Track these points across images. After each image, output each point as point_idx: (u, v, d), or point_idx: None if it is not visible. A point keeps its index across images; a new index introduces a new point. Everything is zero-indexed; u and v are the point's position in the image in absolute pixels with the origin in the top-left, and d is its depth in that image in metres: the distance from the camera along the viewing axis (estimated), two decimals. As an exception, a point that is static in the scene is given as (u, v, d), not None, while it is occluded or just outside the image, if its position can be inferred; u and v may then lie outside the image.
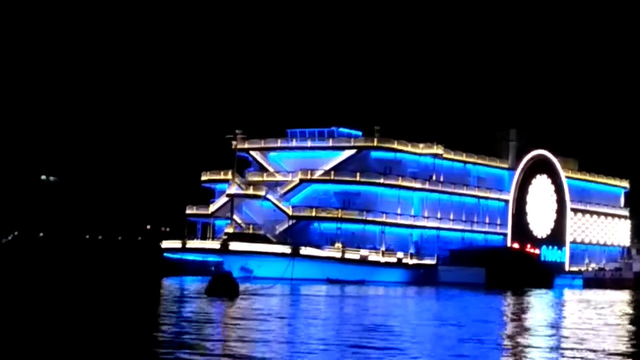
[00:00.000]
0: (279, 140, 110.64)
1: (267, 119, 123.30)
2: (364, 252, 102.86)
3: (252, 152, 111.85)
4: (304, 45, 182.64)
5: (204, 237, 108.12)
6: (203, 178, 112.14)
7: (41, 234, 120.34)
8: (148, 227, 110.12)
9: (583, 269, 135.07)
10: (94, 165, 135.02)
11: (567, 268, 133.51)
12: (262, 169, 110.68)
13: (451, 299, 67.75)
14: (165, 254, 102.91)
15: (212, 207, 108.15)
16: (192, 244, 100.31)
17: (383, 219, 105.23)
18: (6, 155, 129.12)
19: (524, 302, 65.38)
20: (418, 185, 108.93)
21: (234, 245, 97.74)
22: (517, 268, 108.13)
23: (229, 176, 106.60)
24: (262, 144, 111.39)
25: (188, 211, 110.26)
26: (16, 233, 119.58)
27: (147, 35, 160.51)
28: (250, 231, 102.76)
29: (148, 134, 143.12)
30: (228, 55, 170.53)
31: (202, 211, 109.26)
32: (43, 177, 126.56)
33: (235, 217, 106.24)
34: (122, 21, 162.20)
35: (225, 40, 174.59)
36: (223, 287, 55.94)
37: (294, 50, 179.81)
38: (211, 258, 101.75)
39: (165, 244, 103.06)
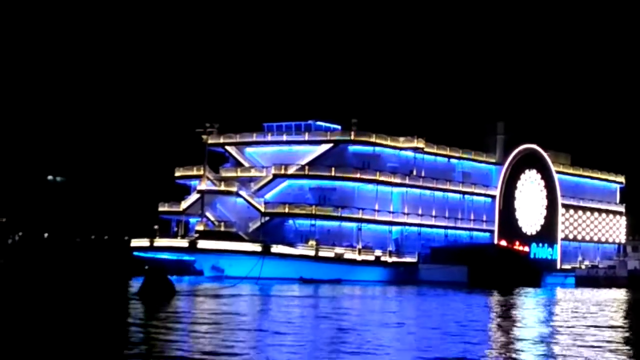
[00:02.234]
0: (255, 135, 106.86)
1: (246, 113, 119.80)
2: (339, 250, 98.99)
3: (227, 147, 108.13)
4: (283, 38, 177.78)
5: (177, 235, 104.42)
6: (177, 174, 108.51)
7: (46, 235, 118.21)
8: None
9: (576, 266, 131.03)
10: (100, 166, 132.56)
11: (558, 266, 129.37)
12: (238, 165, 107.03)
13: (421, 299, 63.82)
14: (134, 253, 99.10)
15: (184, 204, 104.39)
16: (159, 242, 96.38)
17: (359, 215, 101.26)
18: (13, 155, 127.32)
19: (498, 302, 61.37)
20: (397, 180, 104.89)
21: (203, 244, 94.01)
22: (502, 266, 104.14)
23: (202, 172, 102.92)
24: (238, 139, 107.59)
25: (160, 208, 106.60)
26: (20, 233, 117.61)
27: (121, 28, 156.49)
28: (222, 229, 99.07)
29: (131, 129, 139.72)
30: (206, 48, 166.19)
31: (174, 208, 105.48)
32: (50, 177, 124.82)
33: (208, 214, 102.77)
34: (91, 15, 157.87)
35: (201, 33, 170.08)
36: (156, 288, 52.08)
37: (273, 42, 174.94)
38: (186, 257, 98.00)
39: (134, 242, 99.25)
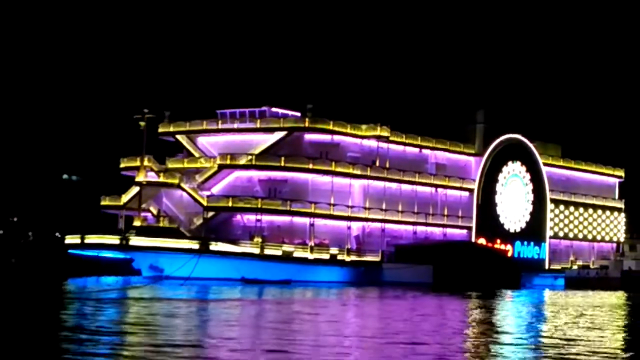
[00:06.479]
0: (205, 123, 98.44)
1: (202, 100, 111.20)
2: (287, 247, 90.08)
3: (178, 136, 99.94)
4: (241, 20, 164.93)
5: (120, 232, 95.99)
6: (122, 165, 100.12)
7: (57, 234, 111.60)
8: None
9: (567, 267, 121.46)
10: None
11: (547, 266, 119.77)
12: (190, 155, 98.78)
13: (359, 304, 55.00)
14: (69, 251, 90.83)
15: (125, 198, 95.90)
16: (90, 239, 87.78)
17: (312, 209, 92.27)
18: (26, 154, 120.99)
19: (444, 308, 52.45)
20: (358, 171, 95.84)
21: (136, 241, 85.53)
22: (473, 265, 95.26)
23: (147, 163, 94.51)
24: (188, 127, 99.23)
25: (102, 202, 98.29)
26: (30, 233, 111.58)
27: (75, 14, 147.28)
28: (162, 224, 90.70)
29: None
30: (163, 34, 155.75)
31: (115, 202, 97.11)
32: (65, 176, 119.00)
33: (152, 208, 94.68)
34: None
35: (154, 18, 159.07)
36: None
37: (230, 25, 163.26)
38: (124, 256, 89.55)
39: (68, 239, 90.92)
